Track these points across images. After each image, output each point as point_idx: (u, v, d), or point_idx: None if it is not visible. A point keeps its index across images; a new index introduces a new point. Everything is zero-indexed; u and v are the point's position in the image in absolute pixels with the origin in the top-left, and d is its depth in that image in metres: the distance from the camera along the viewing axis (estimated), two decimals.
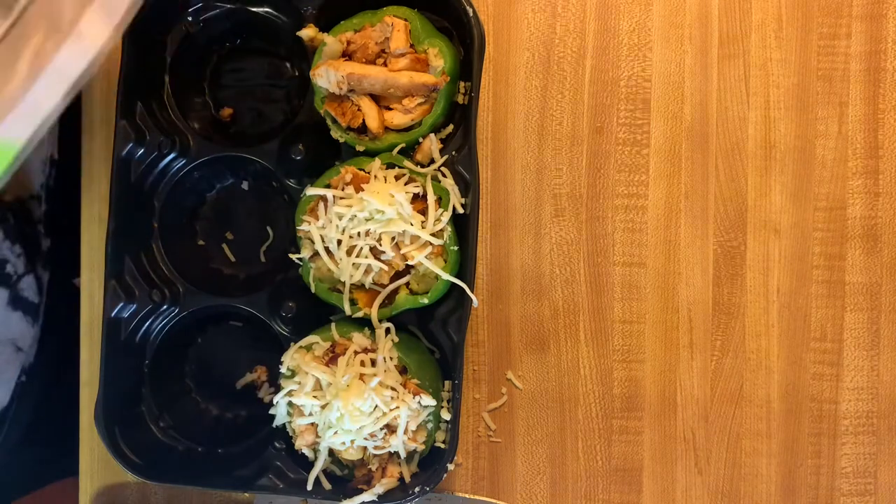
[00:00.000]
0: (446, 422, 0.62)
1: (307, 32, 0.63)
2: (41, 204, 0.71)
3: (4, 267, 0.66)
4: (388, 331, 0.61)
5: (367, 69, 0.60)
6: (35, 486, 0.91)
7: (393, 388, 0.59)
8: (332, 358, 0.61)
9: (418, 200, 0.60)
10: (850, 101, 0.68)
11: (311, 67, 0.61)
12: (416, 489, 0.61)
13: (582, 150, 0.69)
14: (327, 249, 0.60)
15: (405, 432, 0.60)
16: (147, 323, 0.66)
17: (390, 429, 0.60)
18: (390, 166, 0.61)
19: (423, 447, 0.62)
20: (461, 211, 0.61)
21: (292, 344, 0.63)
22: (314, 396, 0.60)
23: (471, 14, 0.61)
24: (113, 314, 0.64)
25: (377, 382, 0.59)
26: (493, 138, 0.69)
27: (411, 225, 0.59)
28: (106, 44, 0.40)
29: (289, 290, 0.65)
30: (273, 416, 0.63)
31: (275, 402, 0.62)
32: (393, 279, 0.61)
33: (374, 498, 0.61)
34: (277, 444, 0.65)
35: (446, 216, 0.60)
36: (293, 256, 0.63)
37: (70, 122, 0.74)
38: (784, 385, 0.69)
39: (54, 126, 0.72)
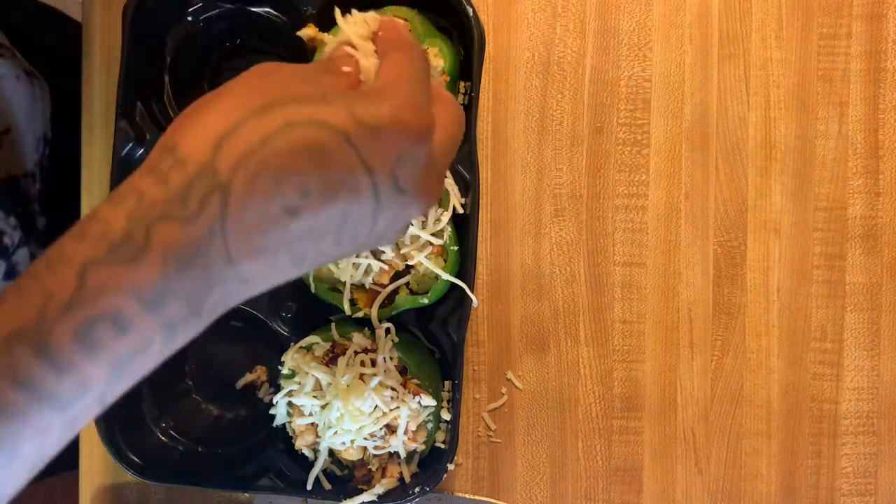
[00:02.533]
0: (446, 422, 0.62)
1: (307, 32, 0.62)
2: (35, 182, 0.70)
3: (2, 238, 0.65)
4: (388, 331, 0.61)
5: None
6: (36, 479, 0.91)
7: (393, 388, 0.59)
8: (332, 358, 0.61)
9: None
10: (850, 101, 0.68)
11: None
12: (416, 489, 0.61)
13: (582, 150, 0.69)
14: None
15: (405, 432, 0.60)
16: None
17: (390, 429, 0.60)
18: None
19: (423, 447, 0.62)
20: (461, 211, 0.61)
21: (292, 344, 0.63)
22: (314, 396, 0.60)
23: (471, 14, 0.61)
24: None
25: (377, 382, 0.59)
26: (493, 138, 0.69)
27: (411, 225, 0.59)
28: None
29: (289, 290, 0.65)
30: (273, 416, 0.63)
31: (275, 402, 0.62)
32: (393, 279, 0.61)
33: (374, 498, 0.61)
34: (277, 445, 0.65)
35: (446, 216, 0.60)
36: None
37: (63, 99, 0.73)
38: (784, 385, 0.69)
39: (45, 104, 0.72)
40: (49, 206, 0.71)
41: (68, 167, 0.72)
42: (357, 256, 0.60)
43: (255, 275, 0.37)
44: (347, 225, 0.38)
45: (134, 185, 0.35)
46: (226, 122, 0.36)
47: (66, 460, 0.73)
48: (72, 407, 0.35)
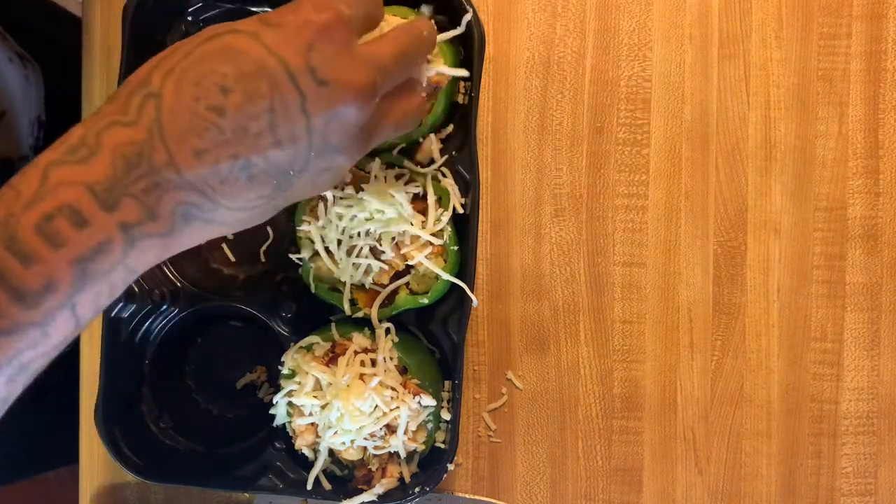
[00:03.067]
0: (446, 422, 0.62)
1: None
2: None
3: None
4: (388, 331, 0.61)
5: None
6: (34, 470, 0.90)
7: (393, 388, 0.59)
8: (332, 358, 0.61)
9: (418, 200, 0.60)
10: (850, 101, 0.68)
11: None
12: (416, 489, 0.61)
13: (582, 150, 0.69)
14: (327, 249, 0.60)
15: (405, 432, 0.60)
16: (147, 323, 0.66)
17: (390, 429, 0.60)
18: (390, 166, 0.61)
19: (423, 447, 0.62)
20: (461, 211, 0.61)
21: (292, 344, 0.63)
22: (314, 396, 0.60)
23: (471, 14, 0.61)
24: (113, 314, 0.64)
25: (377, 382, 0.59)
26: (493, 138, 0.69)
27: (411, 225, 0.59)
28: None
29: (289, 290, 0.65)
30: (273, 416, 0.63)
31: (275, 402, 0.62)
32: (393, 279, 0.61)
33: (374, 498, 0.61)
34: (277, 444, 0.65)
35: (446, 216, 0.60)
36: (293, 256, 0.63)
37: (56, 82, 0.73)
38: (784, 385, 0.69)
39: (39, 86, 0.72)
40: None
41: None
42: (357, 256, 0.60)
43: (204, 182, 0.40)
44: (278, 121, 0.40)
45: (96, 108, 0.41)
46: (167, 52, 0.42)
47: (65, 454, 0.73)
48: (40, 305, 0.38)
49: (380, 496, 0.61)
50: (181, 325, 0.67)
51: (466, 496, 0.69)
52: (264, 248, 0.69)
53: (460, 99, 0.63)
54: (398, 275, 0.61)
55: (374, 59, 0.43)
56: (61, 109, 0.73)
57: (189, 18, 0.66)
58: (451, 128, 0.64)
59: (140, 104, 0.40)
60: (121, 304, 0.64)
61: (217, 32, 0.41)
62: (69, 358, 0.71)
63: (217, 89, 0.39)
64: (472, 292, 0.61)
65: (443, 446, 0.62)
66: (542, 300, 0.69)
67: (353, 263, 0.60)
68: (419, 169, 0.62)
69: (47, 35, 0.81)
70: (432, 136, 0.62)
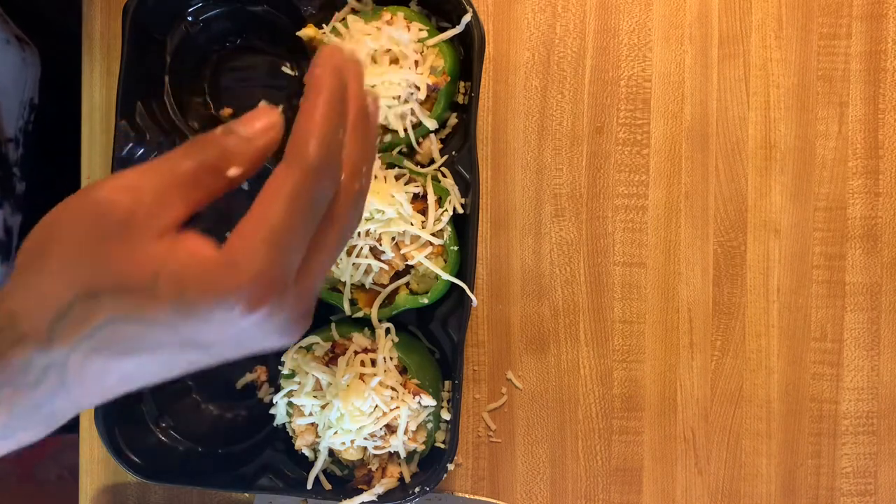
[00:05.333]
0: (446, 422, 0.62)
1: (307, 32, 0.63)
2: (18, 147, 0.70)
3: None
4: (388, 331, 0.61)
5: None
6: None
7: (393, 388, 0.60)
8: (332, 358, 0.61)
9: (418, 200, 0.60)
10: (850, 101, 0.68)
11: None
12: (416, 489, 0.61)
13: (582, 150, 0.69)
14: None
15: (405, 432, 0.60)
16: None
17: (390, 429, 0.60)
18: (390, 166, 0.61)
19: (423, 447, 0.62)
20: (461, 211, 0.61)
21: (292, 344, 0.63)
22: (314, 396, 0.60)
23: (470, 14, 0.61)
24: None
25: (377, 382, 0.59)
26: (493, 138, 0.69)
27: (411, 225, 0.59)
28: None
29: None
30: (273, 416, 0.63)
31: (275, 402, 0.62)
32: (393, 279, 0.61)
33: (374, 498, 0.61)
34: (277, 445, 0.65)
35: (446, 216, 0.60)
36: None
37: (52, 64, 0.73)
38: (784, 385, 0.69)
39: (35, 69, 0.72)
40: (30, 172, 0.71)
41: (53, 134, 0.71)
42: (357, 256, 0.60)
43: (90, 397, 0.41)
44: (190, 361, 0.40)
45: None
46: (60, 300, 0.36)
47: (68, 425, 0.73)
48: None
49: (380, 496, 0.61)
50: None
51: (466, 496, 0.69)
52: None
53: (460, 99, 0.63)
54: (398, 275, 0.61)
55: (303, 308, 0.39)
56: (56, 90, 0.72)
57: (189, 18, 0.66)
58: (451, 128, 0.64)
59: (41, 371, 0.38)
60: None
61: (124, 313, 0.36)
62: None
63: (132, 365, 0.39)
64: (472, 292, 0.61)
65: (443, 446, 0.62)
66: (541, 300, 0.69)
67: (353, 263, 0.60)
68: (419, 169, 0.62)
69: (45, 15, 0.81)
70: (432, 136, 0.62)
